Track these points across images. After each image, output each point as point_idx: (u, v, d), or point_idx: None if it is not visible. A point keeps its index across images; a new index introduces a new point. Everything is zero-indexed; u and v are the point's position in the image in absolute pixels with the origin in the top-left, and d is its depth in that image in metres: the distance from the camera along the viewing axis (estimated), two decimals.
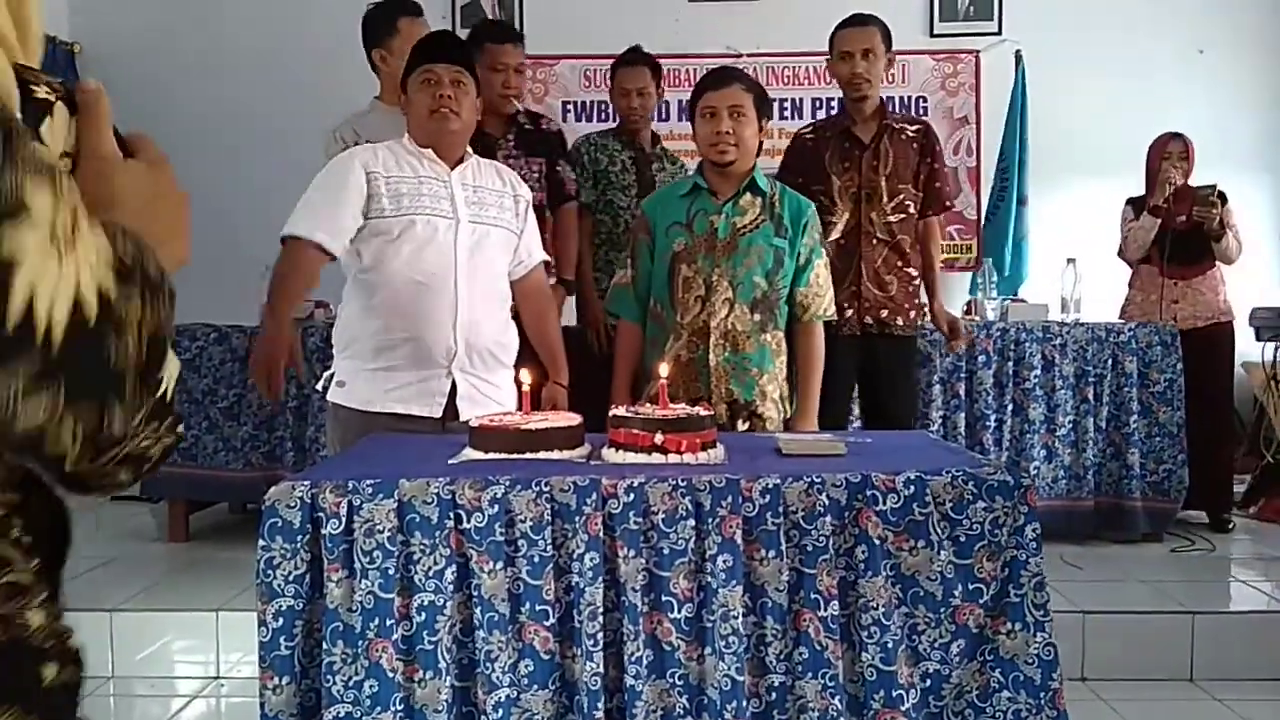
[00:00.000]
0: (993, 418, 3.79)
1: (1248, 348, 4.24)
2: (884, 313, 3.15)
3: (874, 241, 3.13)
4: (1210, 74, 5.12)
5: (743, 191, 2.54)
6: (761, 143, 2.59)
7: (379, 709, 1.54)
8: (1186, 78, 5.13)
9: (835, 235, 3.11)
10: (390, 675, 1.55)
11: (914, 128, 3.23)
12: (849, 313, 3.11)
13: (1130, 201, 4.22)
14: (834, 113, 3.47)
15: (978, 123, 5.18)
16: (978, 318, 4.07)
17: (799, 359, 2.59)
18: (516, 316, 2.59)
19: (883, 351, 3.17)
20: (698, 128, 2.54)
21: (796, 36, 5.25)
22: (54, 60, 5.23)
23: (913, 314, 3.21)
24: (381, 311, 2.35)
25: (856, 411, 3.43)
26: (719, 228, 2.51)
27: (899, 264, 3.17)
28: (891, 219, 3.14)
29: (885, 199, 3.13)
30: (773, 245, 2.51)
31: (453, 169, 2.44)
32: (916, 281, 3.23)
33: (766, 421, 2.49)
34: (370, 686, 1.55)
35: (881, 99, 3.20)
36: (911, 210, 3.18)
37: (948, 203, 3.36)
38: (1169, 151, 4.04)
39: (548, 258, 2.67)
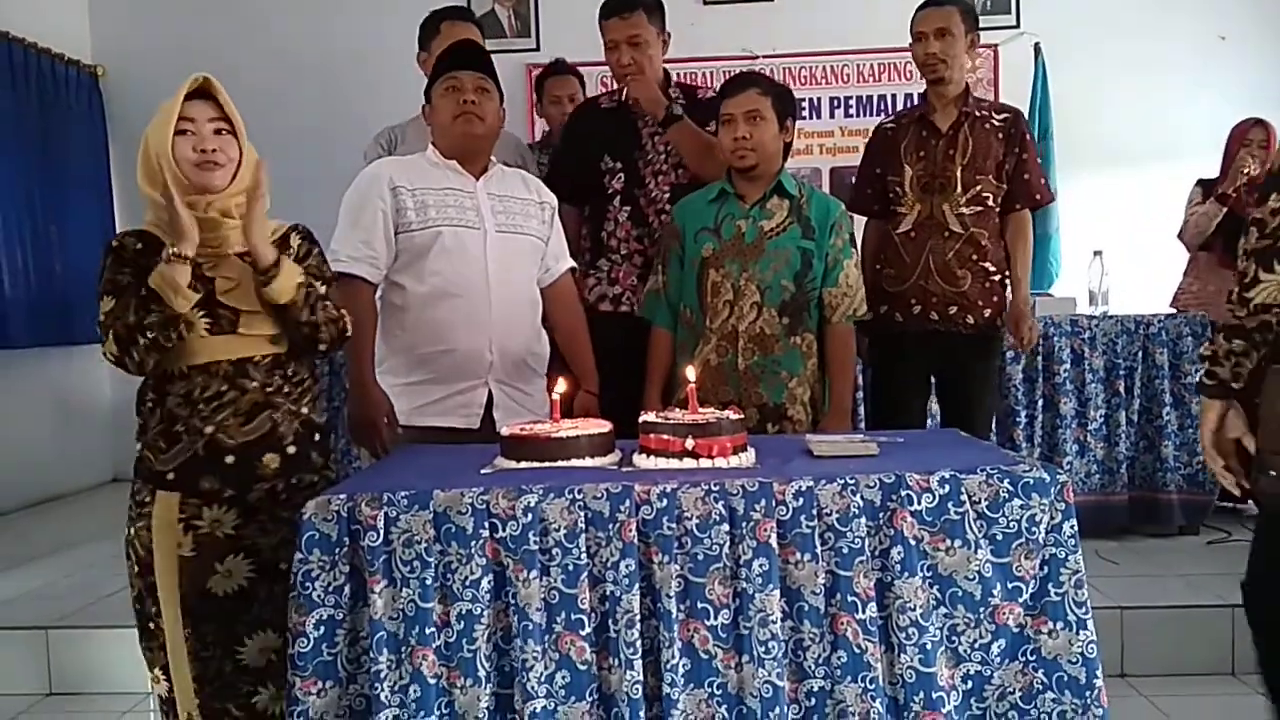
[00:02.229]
0: (1023, 413, 3.77)
1: None
2: (953, 309, 2.93)
3: (945, 234, 2.92)
4: (1233, 62, 5.07)
5: (769, 195, 2.54)
6: (789, 143, 2.59)
7: (424, 713, 1.55)
8: (1209, 66, 5.08)
9: (906, 227, 2.94)
10: (432, 682, 1.56)
11: (1000, 116, 3.01)
12: (916, 309, 2.94)
13: (1200, 183, 4.07)
14: (915, 104, 3.19)
15: None
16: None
17: (829, 359, 2.57)
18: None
19: (956, 350, 2.96)
20: (720, 135, 2.56)
21: (812, 37, 5.26)
22: (77, 84, 5.31)
23: (988, 312, 2.97)
24: (416, 325, 2.37)
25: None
26: (746, 231, 2.52)
27: (973, 258, 2.93)
28: (965, 211, 2.92)
29: (959, 189, 2.91)
30: (800, 248, 2.51)
31: (478, 178, 2.45)
32: (996, 278, 2.99)
33: (796, 425, 2.48)
34: (414, 691, 1.56)
35: (966, 85, 3.01)
36: (990, 203, 2.95)
37: (1037, 195, 3.04)
38: (1249, 139, 3.88)
39: (574, 264, 2.65)
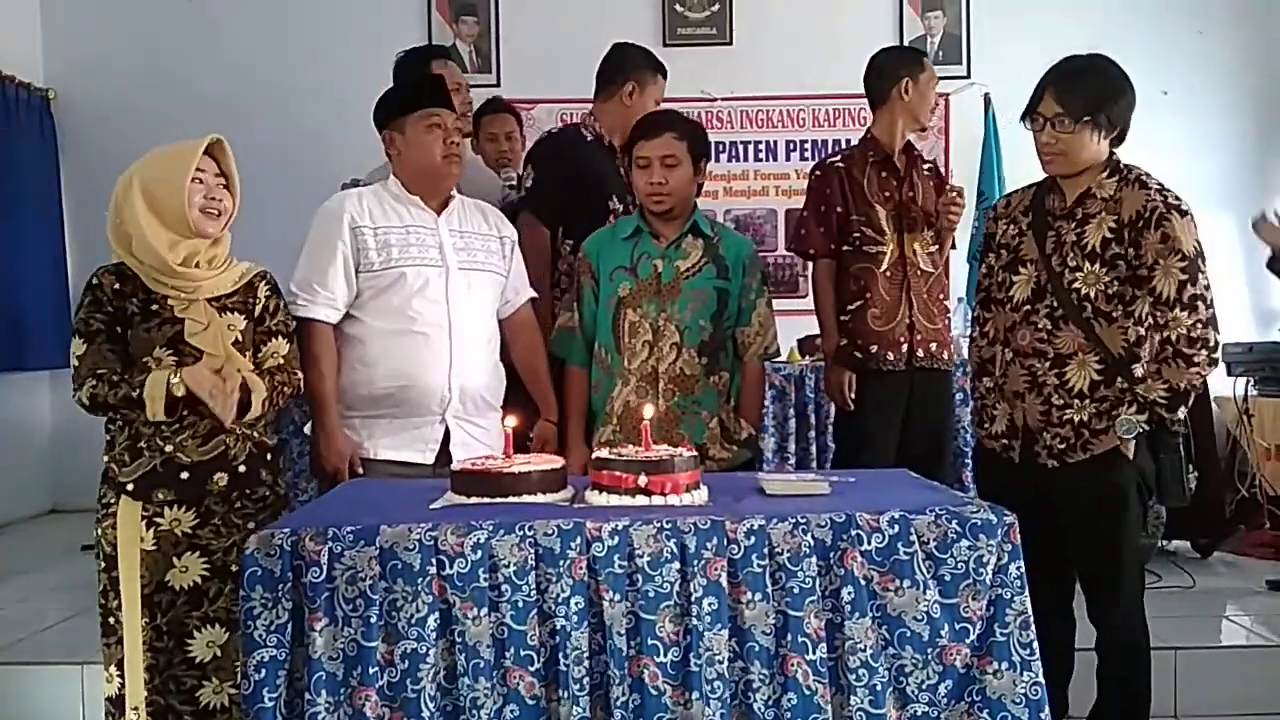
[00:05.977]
0: (970, 454, 3.80)
1: (1218, 383, 4.28)
2: (934, 345, 3.01)
3: (919, 272, 2.99)
4: (1175, 115, 5.21)
5: (685, 234, 2.57)
6: (702, 184, 2.62)
7: None
8: (1152, 119, 5.16)
9: (883, 267, 2.96)
10: None
11: (927, 164, 3.17)
12: (904, 347, 2.96)
13: None
14: (851, 146, 3.19)
15: (946, 165, 5.25)
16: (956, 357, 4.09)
17: (741, 396, 2.63)
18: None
19: (928, 386, 3.03)
20: (634, 176, 2.58)
21: (769, 81, 5.33)
22: (28, 107, 5.22)
23: (952, 347, 3.12)
24: (375, 361, 2.37)
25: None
26: (663, 272, 2.54)
27: (940, 297, 3.06)
28: (932, 249, 3.04)
29: (925, 229, 3.01)
30: (716, 287, 2.55)
31: (439, 213, 2.45)
32: (951, 315, 3.14)
33: (718, 463, 2.50)
34: None
35: None
36: (937, 242, 3.09)
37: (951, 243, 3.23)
38: None
39: (534, 294, 2.66)
